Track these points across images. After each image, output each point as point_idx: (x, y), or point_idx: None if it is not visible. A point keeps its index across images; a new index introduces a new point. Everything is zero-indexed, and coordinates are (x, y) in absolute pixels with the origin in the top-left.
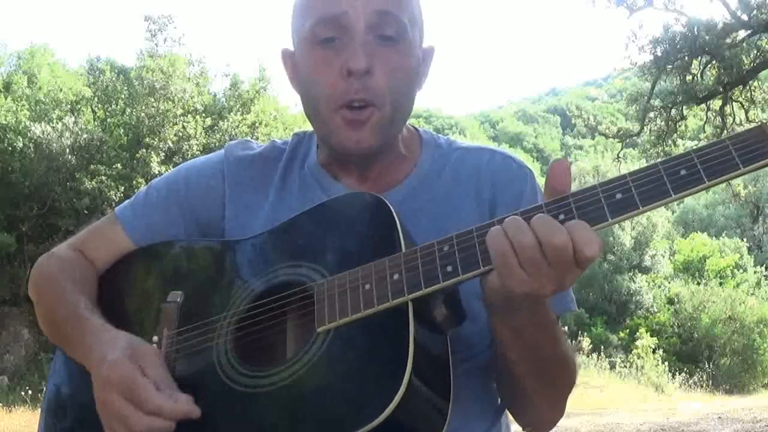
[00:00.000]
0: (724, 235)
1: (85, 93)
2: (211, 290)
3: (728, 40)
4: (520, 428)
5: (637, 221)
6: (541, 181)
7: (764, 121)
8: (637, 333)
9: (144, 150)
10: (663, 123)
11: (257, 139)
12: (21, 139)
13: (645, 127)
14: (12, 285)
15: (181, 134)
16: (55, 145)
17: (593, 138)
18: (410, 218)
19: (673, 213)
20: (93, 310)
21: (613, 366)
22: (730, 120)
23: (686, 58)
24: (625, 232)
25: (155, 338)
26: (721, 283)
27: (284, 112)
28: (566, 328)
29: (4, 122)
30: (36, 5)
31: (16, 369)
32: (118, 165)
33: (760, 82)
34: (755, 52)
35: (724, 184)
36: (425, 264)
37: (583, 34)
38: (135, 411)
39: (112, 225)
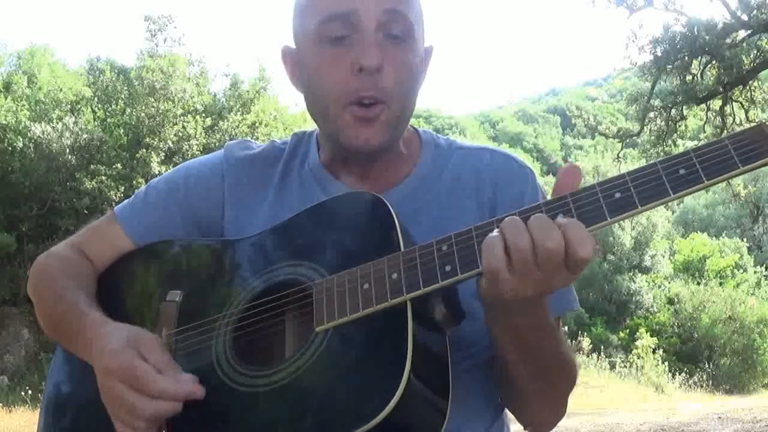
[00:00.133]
0: (724, 235)
1: (85, 93)
2: (210, 289)
3: (728, 40)
4: (521, 427)
5: (637, 221)
6: (541, 181)
7: (764, 120)
8: (637, 333)
9: (144, 150)
10: (663, 123)
11: (257, 139)
12: (21, 139)
13: (645, 127)
14: (12, 285)
15: (181, 134)
16: (55, 145)
17: (593, 138)
18: (410, 218)
19: (673, 213)
20: (92, 305)
21: (613, 366)
22: (730, 120)
23: (686, 58)
24: (625, 232)
25: None
26: (721, 283)
27: (284, 112)
28: (566, 328)
29: (4, 122)
30: (36, 5)
31: (16, 369)
32: (118, 165)
33: (760, 82)
34: (755, 52)
35: (724, 184)
36: (424, 263)
37: (583, 34)
38: (140, 397)
39: (112, 224)
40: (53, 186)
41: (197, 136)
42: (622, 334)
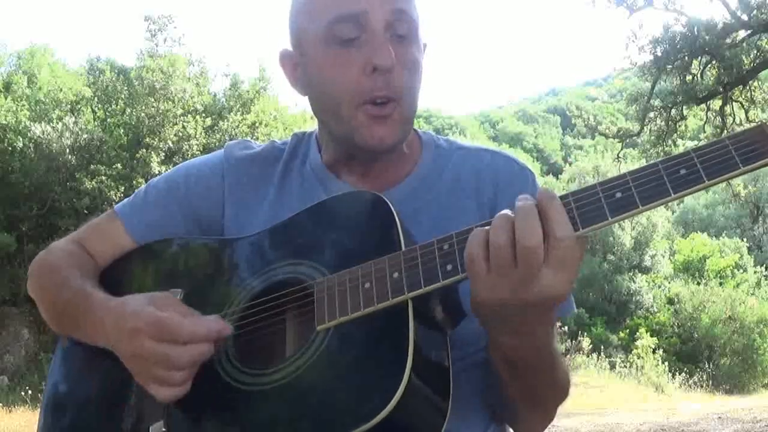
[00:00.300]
0: (724, 235)
1: (85, 93)
2: (210, 288)
3: (728, 40)
4: None
5: (637, 221)
6: (541, 181)
7: (764, 121)
8: (637, 333)
9: (144, 150)
10: (663, 123)
11: (257, 139)
12: (21, 139)
13: (645, 127)
14: (12, 285)
15: (181, 134)
16: (55, 145)
17: (593, 138)
18: (410, 218)
19: (673, 213)
20: (99, 288)
21: (613, 366)
22: (730, 120)
23: (686, 58)
24: (625, 232)
25: None
26: (721, 283)
27: (284, 112)
28: (566, 328)
29: (4, 122)
30: (36, 5)
31: (16, 369)
32: (118, 165)
33: (760, 82)
34: (755, 52)
35: (724, 184)
36: (425, 263)
37: (583, 34)
38: (172, 346)
39: (112, 221)
40: (53, 186)
41: (197, 136)
42: (622, 334)
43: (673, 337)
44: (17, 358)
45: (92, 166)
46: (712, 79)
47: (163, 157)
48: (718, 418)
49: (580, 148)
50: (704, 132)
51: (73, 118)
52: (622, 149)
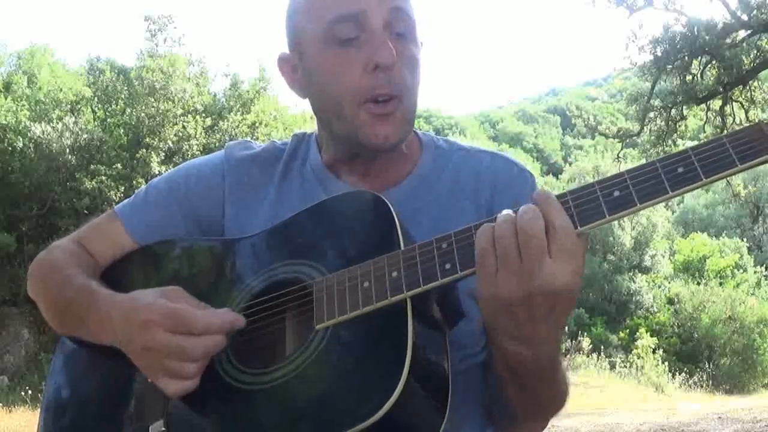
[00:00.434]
0: (724, 235)
1: (85, 93)
2: (210, 288)
3: (728, 40)
4: None
5: (637, 221)
6: (541, 181)
7: (763, 120)
8: (637, 333)
9: (144, 150)
10: (663, 123)
11: (257, 139)
12: (21, 139)
13: (645, 127)
14: (12, 285)
15: (181, 134)
16: (55, 145)
17: (593, 138)
18: (410, 218)
19: (673, 213)
20: (102, 286)
21: (613, 366)
22: (730, 120)
23: (686, 58)
24: (625, 232)
25: None
26: (721, 283)
27: (284, 112)
28: (566, 328)
29: (4, 122)
30: (36, 5)
31: (16, 369)
32: (118, 165)
33: (760, 82)
34: (755, 52)
35: (724, 184)
36: (424, 262)
37: (583, 34)
38: (186, 338)
39: (112, 222)
40: (53, 186)
41: (197, 136)
42: (622, 334)
43: (673, 337)
44: (17, 358)
45: (92, 166)
46: (712, 79)
47: (163, 157)
48: (718, 418)
49: (580, 148)
50: (704, 132)
51: (73, 118)
52: (622, 149)
